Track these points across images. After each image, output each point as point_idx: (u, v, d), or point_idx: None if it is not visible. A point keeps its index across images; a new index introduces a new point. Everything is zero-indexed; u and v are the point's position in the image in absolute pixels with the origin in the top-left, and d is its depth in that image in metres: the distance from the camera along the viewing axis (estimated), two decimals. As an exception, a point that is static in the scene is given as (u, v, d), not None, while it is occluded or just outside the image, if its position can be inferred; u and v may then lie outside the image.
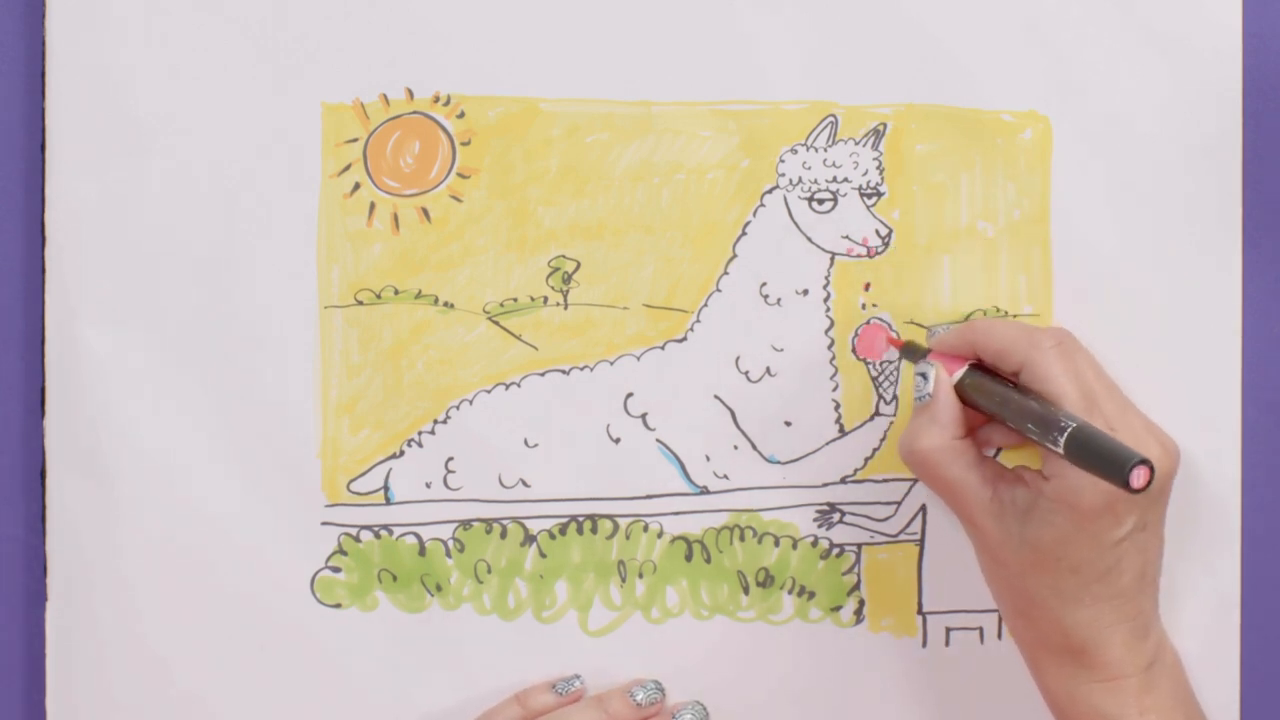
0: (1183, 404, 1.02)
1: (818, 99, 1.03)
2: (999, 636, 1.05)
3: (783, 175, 1.03)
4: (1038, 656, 0.97)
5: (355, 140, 1.03)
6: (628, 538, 1.04)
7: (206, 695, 1.04)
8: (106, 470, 1.03)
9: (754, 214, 1.03)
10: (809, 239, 1.04)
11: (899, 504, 1.04)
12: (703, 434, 1.04)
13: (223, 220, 1.03)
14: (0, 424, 1.04)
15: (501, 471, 1.04)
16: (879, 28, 1.03)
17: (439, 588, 1.04)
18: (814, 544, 1.04)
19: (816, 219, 1.04)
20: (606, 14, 1.03)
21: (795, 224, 1.04)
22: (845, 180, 1.03)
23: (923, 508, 1.04)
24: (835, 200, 1.03)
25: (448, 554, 1.04)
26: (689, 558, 1.05)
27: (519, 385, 1.04)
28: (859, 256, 1.04)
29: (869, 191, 1.03)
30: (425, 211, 1.03)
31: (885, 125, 1.03)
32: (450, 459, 1.04)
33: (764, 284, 1.04)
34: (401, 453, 1.04)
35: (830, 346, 1.04)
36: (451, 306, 1.04)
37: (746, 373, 1.04)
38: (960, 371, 0.98)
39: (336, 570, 1.04)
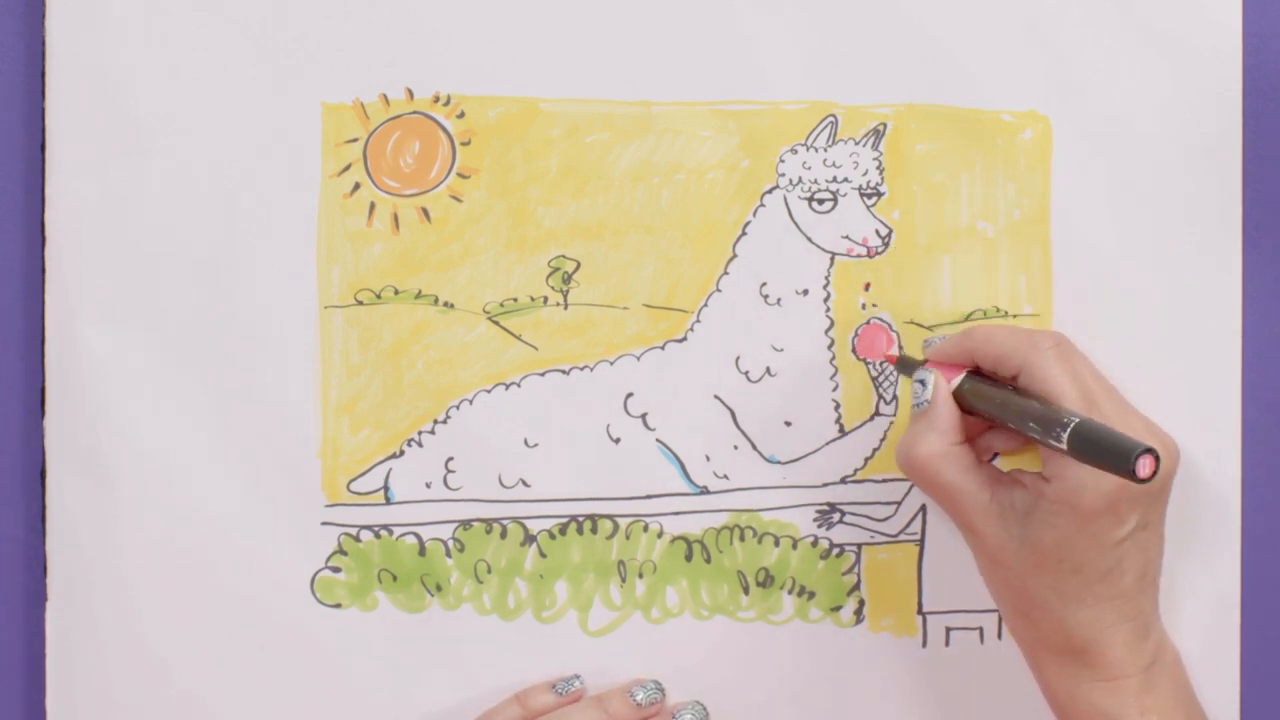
0: (1183, 404, 1.02)
1: (818, 99, 1.03)
2: (999, 636, 1.05)
3: (783, 175, 1.03)
4: (1039, 656, 0.97)
5: (355, 140, 1.03)
6: (628, 538, 1.04)
7: (206, 695, 1.04)
8: (106, 470, 1.03)
9: (754, 214, 1.03)
10: (809, 239, 1.04)
11: (899, 504, 1.04)
12: (703, 434, 1.04)
13: (223, 220, 1.03)
14: (0, 424, 1.04)
15: (501, 471, 1.04)
16: (879, 28, 1.03)
17: (439, 588, 1.04)
18: (814, 544, 1.04)
19: (816, 219, 1.03)
20: (606, 14, 1.02)
21: (795, 224, 1.04)
22: (845, 180, 1.03)
23: (922, 508, 1.04)
24: (835, 200, 1.03)
25: (448, 554, 1.04)
26: (689, 558, 1.04)
27: (519, 385, 1.04)
28: (859, 256, 1.04)
29: (869, 191, 1.03)
30: (425, 211, 1.03)
31: (885, 125, 1.03)
32: (450, 459, 1.04)
33: (764, 284, 1.04)
34: (401, 453, 1.04)
35: (830, 346, 1.04)
36: (451, 306, 1.04)
37: (746, 373, 1.04)
38: (958, 378, 0.98)
39: (336, 570, 1.04)
